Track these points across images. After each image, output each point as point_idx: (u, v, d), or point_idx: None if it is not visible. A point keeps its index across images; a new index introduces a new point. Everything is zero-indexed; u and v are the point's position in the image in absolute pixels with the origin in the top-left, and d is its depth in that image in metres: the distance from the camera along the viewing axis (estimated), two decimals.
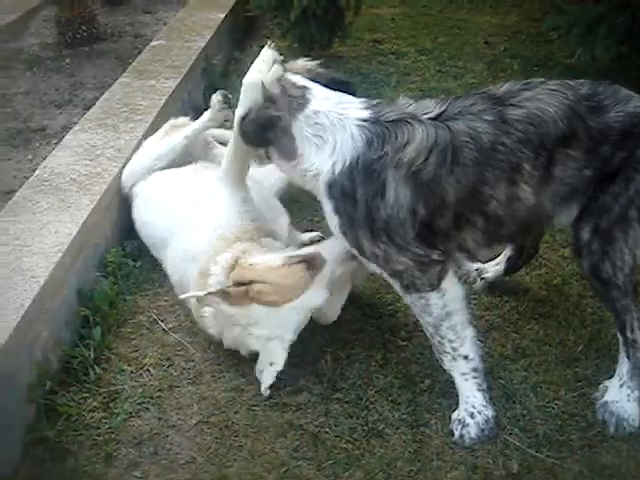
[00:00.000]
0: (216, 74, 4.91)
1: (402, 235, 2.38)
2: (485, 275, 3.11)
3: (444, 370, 2.57)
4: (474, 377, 2.51)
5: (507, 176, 2.36)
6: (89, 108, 3.98)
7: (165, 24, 5.56)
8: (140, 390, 2.65)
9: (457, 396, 2.54)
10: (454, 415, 2.51)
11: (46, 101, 4.47)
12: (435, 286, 2.43)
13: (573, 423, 2.52)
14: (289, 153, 2.49)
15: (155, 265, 3.21)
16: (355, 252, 2.50)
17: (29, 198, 3.09)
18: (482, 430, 2.46)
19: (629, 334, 2.53)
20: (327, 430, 2.49)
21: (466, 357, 2.49)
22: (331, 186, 2.41)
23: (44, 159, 3.45)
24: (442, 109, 2.40)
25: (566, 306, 3.02)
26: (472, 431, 2.45)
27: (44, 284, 2.59)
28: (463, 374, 2.51)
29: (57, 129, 4.06)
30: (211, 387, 2.67)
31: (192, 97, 4.26)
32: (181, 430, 2.52)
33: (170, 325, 2.94)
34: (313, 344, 2.82)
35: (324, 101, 2.48)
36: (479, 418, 2.47)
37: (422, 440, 2.46)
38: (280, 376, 2.61)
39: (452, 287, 2.48)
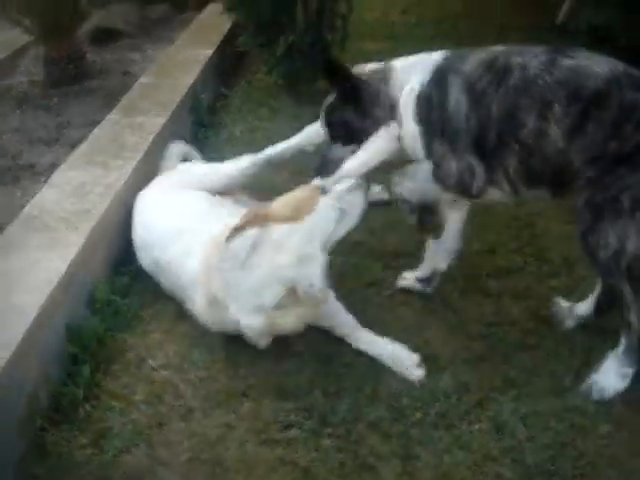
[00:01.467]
0: (204, 110, 4.95)
1: (459, 140, 2.74)
2: (577, 311, 3.07)
3: (434, 403, 2.61)
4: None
5: (539, 109, 2.60)
6: (78, 145, 4.00)
7: (153, 61, 5.61)
8: (130, 427, 2.63)
9: (447, 429, 2.55)
10: None
11: (35, 139, 4.49)
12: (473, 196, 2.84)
13: (564, 453, 2.51)
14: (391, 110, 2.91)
15: (144, 302, 3.22)
16: (424, 152, 2.85)
17: (18, 235, 3.09)
18: None
19: (625, 314, 2.70)
20: (318, 465, 2.47)
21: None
22: (418, 97, 2.82)
23: (33, 196, 3.46)
24: (510, 47, 2.76)
25: (555, 336, 3.02)
26: None
27: (33, 321, 2.58)
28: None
29: (46, 166, 4.08)
30: (201, 423, 2.65)
31: (180, 133, 4.28)
32: (171, 467, 2.50)
33: (159, 362, 2.93)
34: (302, 378, 2.81)
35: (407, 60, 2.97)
36: None
37: (413, 473, 2.45)
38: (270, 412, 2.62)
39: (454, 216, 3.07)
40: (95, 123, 4.23)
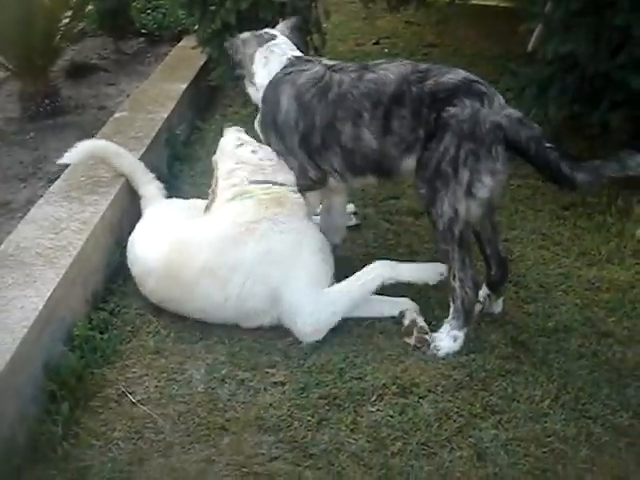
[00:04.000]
0: (179, 144, 4.97)
1: (290, 140, 3.29)
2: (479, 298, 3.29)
3: (415, 432, 2.64)
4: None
5: (352, 118, 3.13)
6: (53, 181, 3.99)
7: (128, 96, 5.62)
8: (109, 465, 2.60)
9: (428, 457, 2.56)
10: None
11: (10, 175, 4.47)
12: (311, 190, 3.40)
13: (545, 479, 2.52)
14: (249, 72, 3.53)
15: (123, 337, 3.21)
16: (263, 139, 3.48)
17: None
18: None
19: (451, 280, 3.08)
20: None
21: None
22: (264, 96, 3.40)
23: (9, 233, 3.44)
24: (334, 63, 3.32)
25: (532, 362, 3.04)
26: None
27: (10, 360, 2.56)
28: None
29: (22, 203, 4.06)
30: (181, 459, 2.63)
31: (156, 167, 4.28)
32: None
33: (139, 397, 2.91)
34: (282, 410, 2.81)
35: (280, 40, 3.53)
36: None
37: None
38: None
39: (312, 198, 3.46)
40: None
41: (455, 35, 7.61)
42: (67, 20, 5.74)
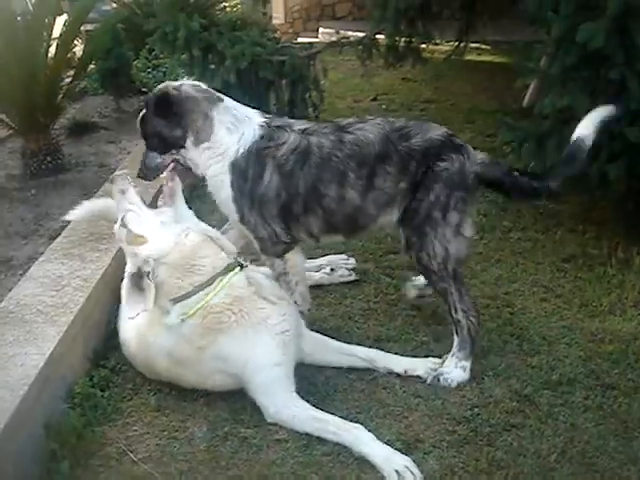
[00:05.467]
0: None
1: (269, 210, 3.24)
2: (417, 283, 3.73)
3: None
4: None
5: (337, 180, 3.21)
6: (55, 238, 4.01)
7: (129, 153, 5.67)
8: None
9: None
10: None
11: (11, 232, 4.48)
12: (280, 256, 3.34)
13: None
14: (204, 136, 3.26)
15: (124, 394, 3.18)
16: (237, 217, 3.29)
17: None
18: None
19: (454, 314, 3.26)
20: None
21: (295, 302, 3.33)
22: (233, 165, 3.24)
23: (10, 290, 3.44)
24: (306, 126, 3.34)
25: (538, 415, 3.01)
26: None
27: (10, 418, 2.54)
28: None
29: (23, 260, 4.06)
30: None
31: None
32: None
33: (140, 455, 2.87)
34: (285, 468, 2.77)
35: (234, 103, 3.37)
36: None
37: None
38: None
39: (294, 258, 3.38)
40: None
41: (451, 90, 7.73)
42: (69, 79, 5.84)
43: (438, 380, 3.19)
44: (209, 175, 3.33)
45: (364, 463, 2.78)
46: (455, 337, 3.27)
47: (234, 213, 3.31)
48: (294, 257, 3.40)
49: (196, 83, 3.42)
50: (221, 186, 3.30)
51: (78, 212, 3.74)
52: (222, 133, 3.26)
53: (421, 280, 3.67)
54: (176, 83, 3.39)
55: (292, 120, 3.45)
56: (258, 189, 3.23)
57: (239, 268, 3.10)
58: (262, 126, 3.29)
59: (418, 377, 3.23)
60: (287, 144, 3.23)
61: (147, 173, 3.45)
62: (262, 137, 3.25)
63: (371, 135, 3.23)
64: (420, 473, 2.65)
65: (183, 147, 3.31)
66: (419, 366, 3.26)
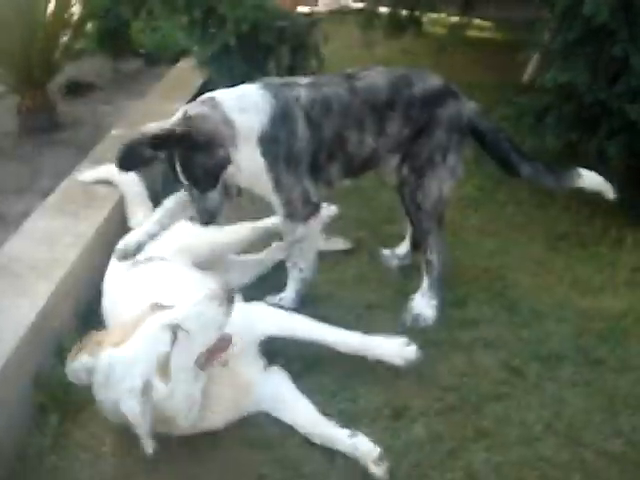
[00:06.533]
0: None
1: (301, 165, 3.27)
2: (398, 253, 3.94)
3: (407, 454, 2.62)
4: (299, 282, 3.47)
5: (357, 125, 3.32)
6: (48, 195, 3.99)
7: (125, 114, 5.63)
8: (97, 479, 2.58)
9: (419, 479, 2.55)
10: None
11: (5, 188, 4.45)
12: (305, 220, 3.36)
13: None
14: (232, 137, 3.12)
15: None
16: (271, 186, 3.26)
17: None
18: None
19: (428, 255, 3.47)
20: None
21: (301, 269, 3.45)
22: (261, 138, 3.18)
23: (2, 245, 3.43)
24: (313, 79, 3.41)
25: (525, 387, 3.03)
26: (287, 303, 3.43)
27: (1, 369, 2.55)
28: (293, 277, 3.48)
29: (16, 216, 4.04)
30: (169, 476, 2.61)
31: (150, 185, 4.28)
32: None
33: None
34: (274, 430, 2.78)
35: (222, 92, 3.25)
36: (284, 302, 3.44)
37: None
38: None
39: (315, 223, 3.41)
40: (66, 173, 4.24)
41: (451, 64, 7.64)
42: (67, 38, 5.79)
43: (417, 321, 3.40)
44: (244, 167, 3.21)
45: (353, 424, 2.79)
46: (425, 278, 3.49)
47: (268, 183, 3.26)
48: (315, 224, 3.43)
49: (183, 108, 3.15)
50: (254, 165, 3.21)
51: (91, 174, 3.75)
52: (239, 120, 3.13)
53: (401, 250, 3.93)
54: (184, 115, 3.09)
55: (290, 78, 3.55)
56: (293, 146, 3.24)
57: None
58: (264, 90, 3.24)
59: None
60: (302, 97, 3.26)
61: (212, 216, 3.21)
62: (276, 98, 3.22)
63: (379, 82, 3.37)
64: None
65: (230, 162, 3.15)
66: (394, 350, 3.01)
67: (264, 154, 3.19)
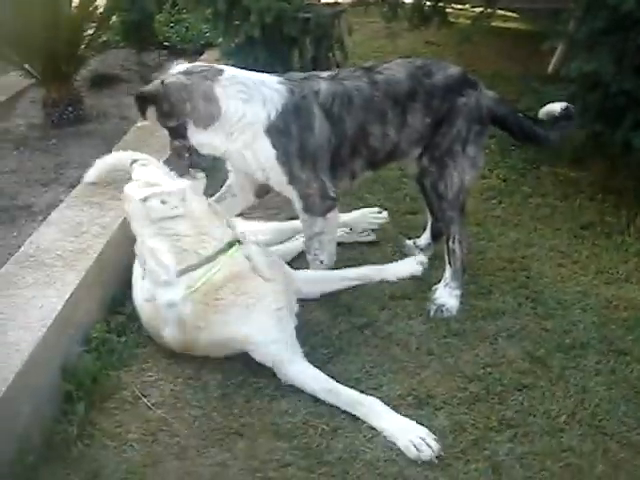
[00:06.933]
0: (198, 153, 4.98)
1: (321, 161, 3.29)
2: (419, 244, 3.92)
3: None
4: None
5: (379, 119, 3.34)
6: (75, 186, 4.03)
7: None
8: (124, 466, 2.60)
9: (443, 469, 2.56)
10: None
11: (32, 179, 4.50)
12: (324, 214, 3.37)
13: None
14: (210, 117, 3.20)
15: (140, 341, 3.22)
16: (285, 179, 3.29)
17: (14, 273, 3.11)
18: None
19: (451, 244, 3.48)
20: None
21: (322, 261, 3.51)
22: (269, 130, 3.20)
23: (30, 235, 3.47)
24: (334, 73, 3.42)
25: (549, 377, 3.03)
26: None
27: (28, 358, 2.58)
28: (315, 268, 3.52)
29: (43, 207, 4.08)
30: (196, 462, 2.63)
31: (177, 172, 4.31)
32: None
33: (154, 400, 2.91)
34: (297, 418, 2.81)
35: (237, 71, 3.34)
36: None
37: None
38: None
39: (334, 217, 3.43)
40: (92, 164, 4.26)
41: (475, 55, 7.61)
42: (92, 31, 5.82)
43: (442, 312, 3.41)
44: (234, 149, 3.28)
45: None
46: (448, 267, 3.50)
47: (281, 175, 3.29)
48: (333, 217, 3.45)
49: (189, 65, 3.32)
50: (257, 154, 3.26)
51: (93, 172, 3.79)
52: (236, 106, 3.20)
53: (422, 241, 3.93)
54: (168, 74, 3.27)
55: (311, 72, 3.53)
56: (310, 142, 3.25)
57: (238, 243, 3.03)
58: (284, 83, 3.28)
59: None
60: (322, 91, 3.28)
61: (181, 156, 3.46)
62: (292, 92, 3.25)
63: (399, 74, 3.39)
64: (437, 445, 2.63)
65: (184, 136, 3.28)
66: (406, 267, 3.64)
67: (275, 145, 3.22)
